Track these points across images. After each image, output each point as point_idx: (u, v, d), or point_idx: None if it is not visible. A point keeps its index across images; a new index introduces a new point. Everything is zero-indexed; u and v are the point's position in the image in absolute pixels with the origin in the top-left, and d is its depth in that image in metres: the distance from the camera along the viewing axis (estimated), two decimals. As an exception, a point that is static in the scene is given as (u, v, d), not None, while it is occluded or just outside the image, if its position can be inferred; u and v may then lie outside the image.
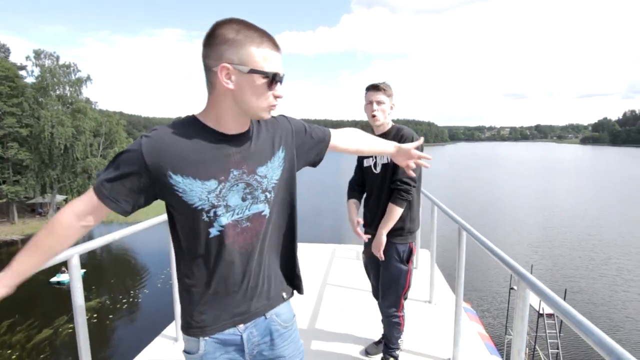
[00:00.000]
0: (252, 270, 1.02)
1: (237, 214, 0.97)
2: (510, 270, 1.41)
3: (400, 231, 2.07)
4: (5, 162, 29.09)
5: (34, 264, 0.93)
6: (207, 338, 1.00)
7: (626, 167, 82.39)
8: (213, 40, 0.88)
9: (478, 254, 1.87)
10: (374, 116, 2.03)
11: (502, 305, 16.09)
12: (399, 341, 2.22)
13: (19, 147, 29.63)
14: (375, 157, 2.09)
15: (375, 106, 2.02)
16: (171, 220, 0.99)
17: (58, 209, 33.83)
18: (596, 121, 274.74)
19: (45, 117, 29.55)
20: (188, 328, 1.01)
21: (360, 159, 2.22)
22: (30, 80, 32.37)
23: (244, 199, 0.97)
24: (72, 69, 32.79)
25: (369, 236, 2.10)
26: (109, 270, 22.32)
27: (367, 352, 2.39)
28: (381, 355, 2.30)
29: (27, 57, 31.94)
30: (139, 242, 24.53)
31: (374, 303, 2.38)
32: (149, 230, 2.18)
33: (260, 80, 0.90)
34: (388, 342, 2.23)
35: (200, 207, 0.92)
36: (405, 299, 2.19)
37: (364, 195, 2.24)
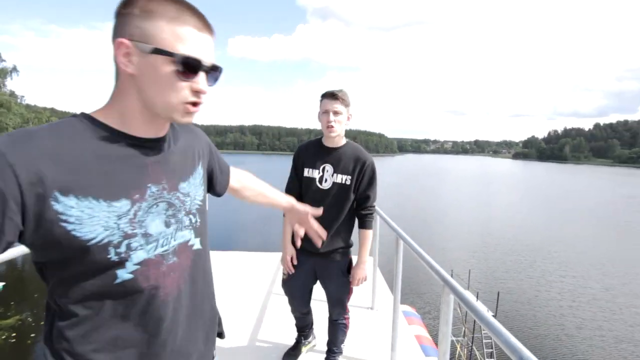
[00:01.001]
0: (180, 324, 0.76)
1: (162, 246, 0.72)
2: (437, 277, 1.50)
3: (343, 249, 2.07)
4: None
5: None
6: None
7: (551, 180, 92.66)
8: (122, 9, 0.65)
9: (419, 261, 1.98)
10: (329, 127, 1.88)
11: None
12: (342, 345, 2.26)
13: None
14: (323, 171, 1.97)
15: (332, 116, 1.87)
16: (43, 271, 0.68)
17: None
18: (525, 138, 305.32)
19: (-41, 110, 26.10)
20: None
21: (299, 166, 2.04)
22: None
23: (167, 225, 0.73)
24: (-5, 57, 29.43)
25: (292, 271, 2.07)
26: (32, 284, 20.00)
27: (285, 358, 2.37)
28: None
29: (-61, 41, 28.13)
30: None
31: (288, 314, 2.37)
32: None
33: (167, 66, 0.65)
34: (332, 346, 2.24)
35: (104, 241, 0.64)
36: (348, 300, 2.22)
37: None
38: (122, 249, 0.66)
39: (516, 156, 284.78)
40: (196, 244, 0.80)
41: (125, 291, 0.68)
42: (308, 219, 1.12)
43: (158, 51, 0.64)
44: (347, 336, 2.28)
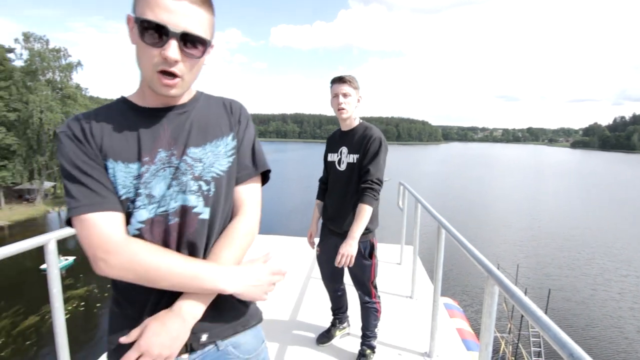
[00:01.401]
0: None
1: (162, 207, 0.76)
2: (481, 266, 1.44)
3: (364, 230, 2.04)
4: (-9, 146, 28.55)
5: None
6: None
7: (614, 172, 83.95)
8: None
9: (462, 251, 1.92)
10: (341, 109, 1.97)
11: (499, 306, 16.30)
12: (376, 330, 2.27)
13: (7, 132, 29.06)
14: (341, 154, 2.07)
15: (341, 99, 1.96)
16: None
17: (46, 195, 33.36)
18: (587, 126, 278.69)
19: (34, 101, 28.99)
20: (116, 352, 0.75)
21: (326, 153, 2.20)
22: (19, 63, 31.71)
23: (169, 187, 0.76)
24: (62, 53, 32.20)
25: (318, 249, 2.26)
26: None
27: (319, 341, 2.41)
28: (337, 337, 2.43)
29: (16, 40, 31.24)
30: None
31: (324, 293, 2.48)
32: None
33: (137, 34, 0.69)
34: (365, 330, 2.26)
35: (125, 197, 0.74)
36: (375, 286, 2.20)
37: (328, 189, 2.22)
38: (131, 206, 0.75)
39: (575, 145, 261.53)
40: (204, 213, 0.78)
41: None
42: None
43: (137, 20, 0.69)
44: (383, 322, 2.28)
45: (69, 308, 14.88)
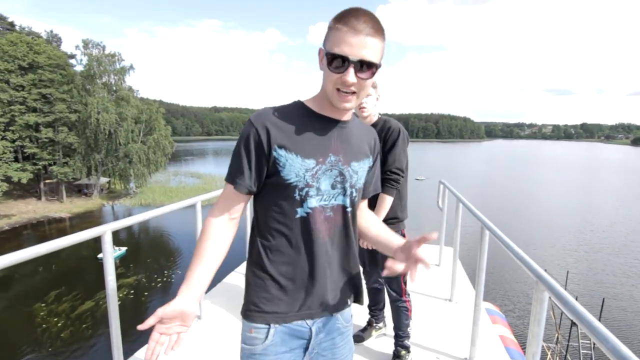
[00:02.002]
0: (331, 265, 1.00)
1: (325, 200, 0.97)
2: (529, 271, 1.36)
3: (393, 220, 2.13)
4: (56, 144, 31.29)
5: (203, 271, 0.94)
6: (277, 326, 0.97)
7: (684, 172, 75.36)
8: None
9: (509, 254, 1.83)
10: (362, 108, 2.03)
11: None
12: (409, 329, 2.23)
13: (68, 131, 31.76)
14: None
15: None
16: (257, 198, 1.01)
17: (102, 190, 36.13)
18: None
19: (92, 103, 31.40)
20: (257, 313, 0.97)
21: None
22: (79, 68, 34.49)
23: (333, 187, 0.97)
24: (116, 58, 34.48)
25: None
26: (146, 250, 23.60)
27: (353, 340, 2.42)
28: (373, 336, 2.43)
29: (77, 47, 33.99)
30: (172, 225, 25.72)
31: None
32: (181, 214, 2.32)
33: (326, 63, 0.90)
34: (397, 331, 2.23)
35: (294, 184, 0.93)
36: (405, 282, 2.21)
37: None
38: (303, 193, 0.94)
39: (637, 142, 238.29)
40: (351, 212, 1.02)
41: (300, 226, 0.96)
42: (414, 254, 0.93)
43: (326, 52, 0.90)
44: (422, 324, 2.23)
45: (120, 295, 16.02)
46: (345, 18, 0.87)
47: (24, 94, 29.03)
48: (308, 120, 0.96)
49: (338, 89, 0.90)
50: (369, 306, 2.47)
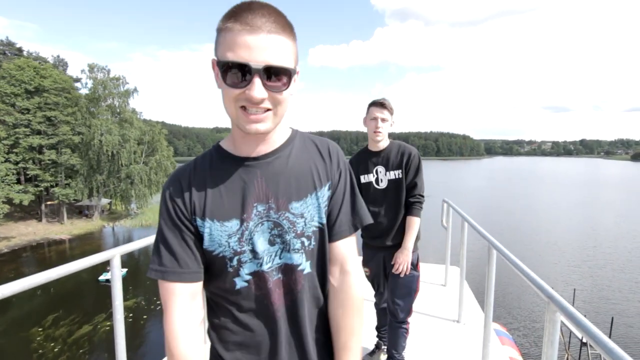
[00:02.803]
0: (289, 340, 0.79)
1: (267, 263, 0.76)
2: (540, 291, 1.35)
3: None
4: (58, 166, 31.51)
5: None
6: None
7: (686, 187, 75.17)
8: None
9: (514, 273, 1.81)
10: (377, 132, 2.09)
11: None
12: (404, 352, 2.22)
13: (71, 153, 32.05)
14: (377, 173, 2.16)
15: (379, 123, 2.08)
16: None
17: (102, 211, 36.06)
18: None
19: (95, 125, 31.83)
20: None
21: (357, 175, 2.20)
22: (84, 91, 35.18)
23: (271, 243, 0.76)
24: (121, 81, 35.21)
25: (368, 270, 2.28)
26: (145, 272, 23.24)
27: None
28: None
29: (82, 71, 34.78)
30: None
31: (371, 312, 2.53)
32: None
33: (220, 76, 0.68)
34: (394, 352, 2.20)
35: (221, 254, 0.74)
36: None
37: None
38: (234, 263, 0.75)
39: (637, 157, 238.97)
40: (307, 267, 0.78)
41: (243, 297, 0.77)
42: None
43: (217, 62, 0.68)
44: (430, 346, 2.21)
45: (120, 318, 15.70)
46: (237, 14, 0.65)
47: (29, 117, 29.49)
48: (223, 169, 0.76)
49: (243, 107, 0.68)
50: (377, 328, 2.45)
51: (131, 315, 16.41)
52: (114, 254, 1.53)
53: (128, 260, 24.46)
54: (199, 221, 0.75)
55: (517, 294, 17.87)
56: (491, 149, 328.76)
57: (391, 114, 2.11)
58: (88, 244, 28.31)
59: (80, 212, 35.28)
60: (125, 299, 17.62)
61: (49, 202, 32.87)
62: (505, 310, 16.96)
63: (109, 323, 15.28)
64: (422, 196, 2.13)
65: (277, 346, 0.78)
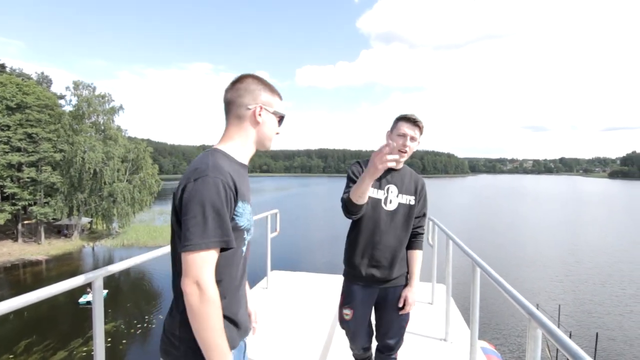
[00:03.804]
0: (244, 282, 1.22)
1: (251, 234, 1.17)
2: (521, 308, 1.39)
3: (408, 273, 2.01)
4: (38, 184, 30.57)
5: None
6: (234, 351, 1.10)
7: (660, 203, 78.05)
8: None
9: (499, 291, 1.80)
10: (403, 151, 1.82)
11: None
12: None
13: (52, 171, 31.22)
14: (388, 192, 1.91)
15: (409, 142, 1.83)
16: None
17: (82, 231, 34.90)
18: (624, 155, 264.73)
19: (78, 142, 31.22)
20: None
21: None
22: (68, 108, 34.65)
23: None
24: (106, 98, 34.90)
25: (350, 312, 1.94)
26: (126, 294, 22.49)
27: None
28: None
29: (67, 88, 34.37)
30: (155, 267, 24.78)
31: None
32: (162, 257, 2.27)
33: (278, 121, 1.28)
34: None
35: (245, 227, 1.10)
36: None
37: (359, 228, 1.93)
38: (249, 234, 1.15)
39: (613, 175, 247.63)
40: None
41: (242, 261, 1.14)
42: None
43: (273, 113, 1.21)
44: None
45: (98, 343, 14.98)
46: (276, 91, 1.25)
47: (9, 134, 28.74)
48: (241, 169, 1.13)
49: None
50: None
51: (110, 340, 15.67)
52: (97, 276, 1.50)
53: (108, 281, 23.56)
54: (239, 202, 1.07)
55: (503, 310, 17.94)
56: (475, 167, 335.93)
57: (421, 133, 1.89)
58: (66, 264, 27.21)
59: (59, 231, 34.07)
60: (104, 323, 16.96)
61: (26, 222, 31.68)
62: (493, 327, 16.95)
63: (85, 348, 14.54)
64: (424, 228, 2.05)
65: (243, 289, 1.19)
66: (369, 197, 1.87)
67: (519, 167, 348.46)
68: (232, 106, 1.15)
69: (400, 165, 1.97)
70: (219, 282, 1.01)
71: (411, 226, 1.95)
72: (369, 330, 2.03)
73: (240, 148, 1.16)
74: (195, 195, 0.95)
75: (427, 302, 3.83)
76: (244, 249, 1.12)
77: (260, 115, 1.16)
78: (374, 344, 2.07)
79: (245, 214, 1.08)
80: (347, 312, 1.93)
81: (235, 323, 1.10)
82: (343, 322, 1.97)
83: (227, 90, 1.17)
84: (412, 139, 1.84)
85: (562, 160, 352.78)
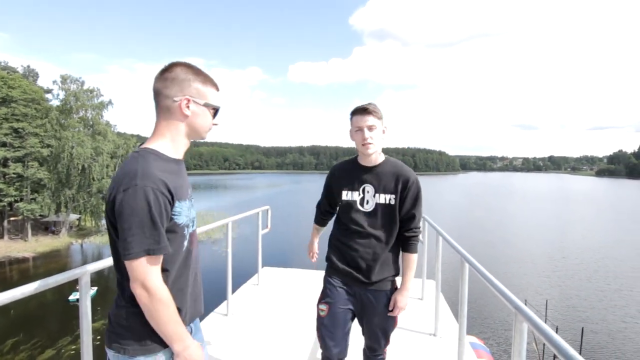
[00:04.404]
0: (198, 275, 1.22)
1: (194, 225, 1.19)
2: (508, 303, 1.41)
3: (393, 277, 1.85)
4: (24, 180, 29.99)
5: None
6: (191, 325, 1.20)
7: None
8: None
9: (486, 285, 1.80)
10: (367, 144, 1.71)
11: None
12: None
13: (39, 167, 30.63)
14: (364, 192, 1.80)
15: (367, 132, 1.70)
16: None
17: (71, 227, 34.37)
18: (611, 153, 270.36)
19: (66, 137, 30.68)
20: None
21: (335, 188, 1.88)
22: (55, 103, 33.98)
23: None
24: (95, 93, 34.31)
25: (326, 309, 1.82)
26: (115, 291, 22.22)
27: None
28: None
29: (54, 82, 33.71)
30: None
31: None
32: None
33: (212, 114, 1.25)
34: None
35: (185, 224, 1.10)
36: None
37: (338, 230, 1.89)
38: (189, 229, 1.14)
39: (600, 173, 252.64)
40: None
41: (187, 252, 1.14)
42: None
43: (210, 107, 1.17)
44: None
45: (87, 341, 14.84)
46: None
47: (-6, 129, 28.13)
48: (175, 166, 1.11)
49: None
50: None
51: (99, 338, 15.48)
52: (84, 272, 1.48)
53: (97, 278, 23.25)
54: (176, 203, 1.06)
55: (491, 305, 18.24)
56: (466, 164, 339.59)
57: (378, 118, 1.73)
58: (54, 262, 26.80)
59: (46, 228, 33.50)
60: (93, 321, 16.78)
61: (12, 218, 31.07)
62: (480, 320, 17.25)
63: (74, 347, 14.38)
64: (419, 229, 1.83)
65: (193, 280, 1.19)
66: (344, 200, 1.83)
67: (509, 165, 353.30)
68: (159, 97, 1.09)
69: (378, 158, 1.80)
70: (164, 271, 1.06)
71: (395, 226, 1.78)
72: (345, 337, 1.83)
73: (172, 144, 1.11)
74: (126, 207, 0.96)
75: (417, 298, 3.88)
76: (186, 242, 1.12)
77: (187, 107, 1.09)
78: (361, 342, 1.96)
79: (184, 212, 1.08)
80: (323, 308, 1.82)
81: (179, 310, 1.10)
82: (318, 320, 1.84)
83: (155, 80, 1.10)
84: (370, 127, 1.71)
85: (551, 158, 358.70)
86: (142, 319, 1.03)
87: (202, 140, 1.22)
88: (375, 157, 1.79)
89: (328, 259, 1.89)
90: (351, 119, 1.79)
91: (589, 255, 29.28)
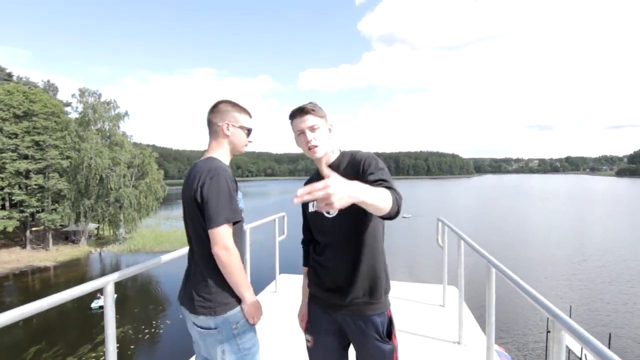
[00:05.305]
0: None
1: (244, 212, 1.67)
2: (544, 310, 1.34)
3: (375, 295, 1.47)
4: (45, 191, 30.87)
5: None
6: None
7: (670, 201, 76.90)
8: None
9: (511, 290, 1.72)
10: (312, 147, 1.49)
11: (542, 351, 14.87)
12: None
13: (59, 178, 31.51)
14: None
15: (309, 135, 1.48)
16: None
17: (89, 236, 35.16)
18: (632, 152, 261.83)
19: (85, 149, 31.52)
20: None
21: (305, 205, 1.64)
22: (74, 115, 35.01)
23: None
24: (112, 105, 35.22)
25: (311, 340, 1.61)
26: (134, 300, 22.58)
27: None
28: None
29: (73, 95, 34.80)
30: (162, 272, 24.85)
31: None
32: (171, 261, 2.27)
33: (246, 134, 1.74)
34: None
35: (242, 208, 1.59)
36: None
37: (313, 248, 1.65)
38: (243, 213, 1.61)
39: (621, 173, 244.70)
40: None
41: (243, 232, 1.61)
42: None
43: (240, 127, 1.67)
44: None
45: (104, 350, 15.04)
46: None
47: (17, 141, 29.10)
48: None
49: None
50: None
51: (118, 345, 15.65)
52: (108, 281, 1.48)
53: (116, 286, 23.59)
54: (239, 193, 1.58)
55: (515, 313, 17.75)
56: (480, 167, 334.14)
57: (319, 116, 1.51)
58: (74, 270, 27.41)
59: (66, 237, 34.35)
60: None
61: (34, 228, 31.98)
62: (504, 330, 16.75)
63: (94, 354, 14.59)
64: (388, 182, 1.35)
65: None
66: (310, 213, 1.61)
67: (524, 167, 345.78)
68: (210, 124, 1.61)
69: (330, 157, 1.57)
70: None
71: (367, 227, 1.48)
72: None
73: (222, 156, 1.60)
74: (214, 187, 1.42)
75: (438, 305, 3.78)
76: (243, 223, 1.61)
77: (228, 129, 1.60)
78: None
79: (240, 200, 1.58)
80: (309, 339, 1.62)
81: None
82: (307, 351, 1.66)
83: (208, 113, 1.62)
84: (312, 128, 1.49)
85: (568, 159, 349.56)
86: (224, 285, 1.45)
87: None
88: (327, 158, 1.56)
89: (308, 282, 1.67)
90: (291, 123, 1.55)
91: (610, 258, 28.29)
